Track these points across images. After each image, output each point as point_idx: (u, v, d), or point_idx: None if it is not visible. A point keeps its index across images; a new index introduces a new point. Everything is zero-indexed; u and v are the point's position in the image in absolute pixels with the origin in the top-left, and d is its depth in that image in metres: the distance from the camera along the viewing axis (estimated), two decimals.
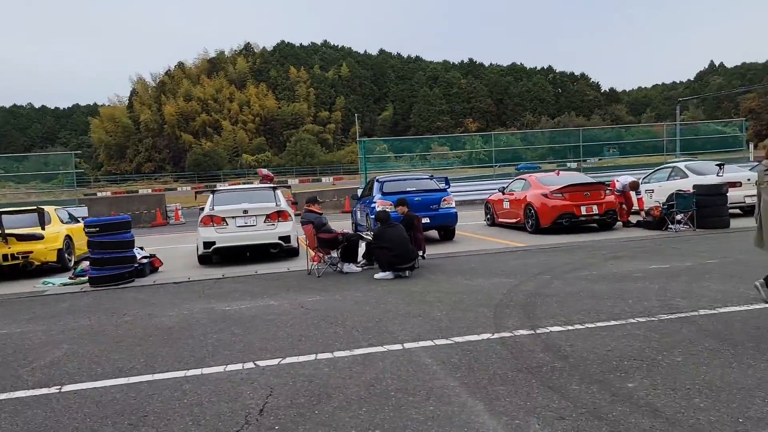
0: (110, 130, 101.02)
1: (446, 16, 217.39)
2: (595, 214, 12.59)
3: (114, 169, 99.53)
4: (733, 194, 13.61)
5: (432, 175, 13.60)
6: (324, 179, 66.98)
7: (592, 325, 5.33)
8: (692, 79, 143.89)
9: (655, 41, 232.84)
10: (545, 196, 12.78)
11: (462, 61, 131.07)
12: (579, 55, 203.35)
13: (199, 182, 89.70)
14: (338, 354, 4.89)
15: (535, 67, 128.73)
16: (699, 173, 14.22)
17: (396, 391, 3.97)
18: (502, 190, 14.90)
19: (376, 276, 8.40)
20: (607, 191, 12.94)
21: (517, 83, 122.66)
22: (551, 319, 5.62)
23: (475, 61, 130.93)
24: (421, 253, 9.26)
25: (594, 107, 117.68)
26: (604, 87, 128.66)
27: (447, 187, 12.82)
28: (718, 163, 14.12)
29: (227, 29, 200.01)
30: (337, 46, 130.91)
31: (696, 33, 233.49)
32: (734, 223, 12.71)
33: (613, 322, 5.39)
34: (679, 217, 12.08)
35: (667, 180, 14.97)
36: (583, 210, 12.54)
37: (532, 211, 12.96)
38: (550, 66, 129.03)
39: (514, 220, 14.03)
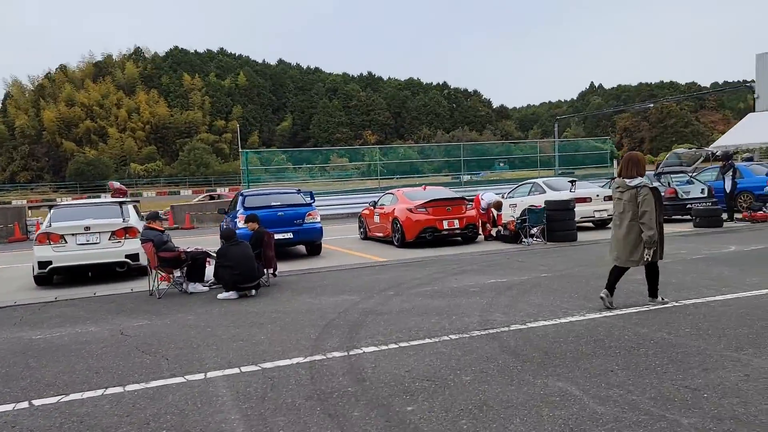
0: None
1: (346, 29, 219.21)
2: (457, 228, 12.98)
3: None
4: (583, 209, 14.57)
5: (299, 189, 13.44)
6: (219, 189, 64.92)
7: (406, 344, 5.36)
8: (575, 98, 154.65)
9: (543, 63, 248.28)
10: (410, 210, 13.01)
11: (361, 74, 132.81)
12: (472, 73, 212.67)
13: (82, 192, 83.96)
14: (130, 388, 4.57)
15: (431, 83, 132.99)
16: (555, 189, 15.09)
17: (169, 429, 3.73)
18: (374, 204, 15.03)
19: (220, 296, 8.08)
20: (469, 206, 13.38)
21: (414, 97, 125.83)
22: (371, 338, 5.61)
23: (374, 75, 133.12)
24: (271, 270, 9.04)
25: (486, 122, 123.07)
26: (495, 104, 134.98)
27: (312, 201, 12.70)
28: (571, 179, 15.07)
29: (115, 32, 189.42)
30: (235, 54, 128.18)
31: (579, 55, 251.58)
32: (585, 236, 13.58)
33: (427, 340, 5.46)
34: (534, 230, 12.73)
35: (528, 195, 15.77)
36: (445, 224, 12.88)
37: (398, 225, 13.15)
38: (445, 82, 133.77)
39: (383, 234, 14.16)
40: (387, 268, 10.32)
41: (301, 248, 13.04)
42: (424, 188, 14.64)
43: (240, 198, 12.30)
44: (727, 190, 15.02)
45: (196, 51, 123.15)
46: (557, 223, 12.66)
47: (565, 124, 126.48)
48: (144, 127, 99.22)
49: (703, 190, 15.86)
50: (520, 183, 16.82)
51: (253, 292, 8.18)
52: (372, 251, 12.90)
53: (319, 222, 12.24)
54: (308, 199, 12.74)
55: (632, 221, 6.09)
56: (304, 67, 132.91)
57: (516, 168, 39.35)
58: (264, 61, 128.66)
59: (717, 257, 9.69)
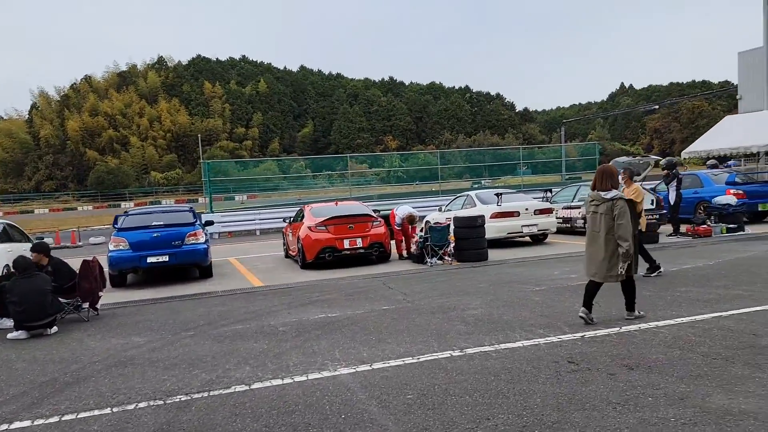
0: (6, 146, 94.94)
1: (368, 35, 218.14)
2: (360, 248, 11.93)
3: (11, 188, 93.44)
4: (510, 223, 13.38)
5: (192, 207, 12.59)
6: (237, 197, 64.94)
7: (85, 414, 4.43)
8: (605, 99, 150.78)
9: (572, 64, 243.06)
10: (310, 228, 12.04)
11: (383, 79, 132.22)
12: (495, 77, 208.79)
13: (103, 201, 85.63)
14: None
15: (454, 87, 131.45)
16: (485, 202, 13.92)
17: None
18: (290, 220, 14.12)
19: (9, 335, 7.27)
20: (375, 223, 12.32)
21: (435, 102, 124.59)
22: (54, 407, 4.69)
23: (396, 80, 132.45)
24: (86, 305, 8.17)
25: (508, 126, 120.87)
26: (520, 106, 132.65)
27: (195, 221, 11.78)
28: (497, 192, 13.87)
29: (140, 42, 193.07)
30: (256, 61, 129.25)
31: (609, 56, 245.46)
32: (507, 253, 12.39)
33: (107, 410, 4.51)
34: (450, 249, 11.64)
35: (461, 208, 14.62)
36: (346, 243, 11.85)
37: (300, 245, 12.20)
38: (467, 86, 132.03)
39: (293, 253, 13.25)
40: (244, 296, 9.40)
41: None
42: (336, 203, 13.66)
43: (119, 219, 11.52)
44: (671, 202, 13.59)
45: (218, 59, 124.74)
46: (466, 241, 11.51)
47: (590, 127, 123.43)
48: (165, 136, 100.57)
49: (652, 201, 14.42)
50: (457, 195, 15.66)
51: (50, 330, 7.35)
52: (268, 274, 11.97)
53: (203, 243, 11.35)
54: (191, 219, 11.78)
55: (608, 234, 5.99)
56: (326, 73, 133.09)
57: (538, 173, 37.63)
58: (285, 67, 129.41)
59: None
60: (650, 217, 14.24)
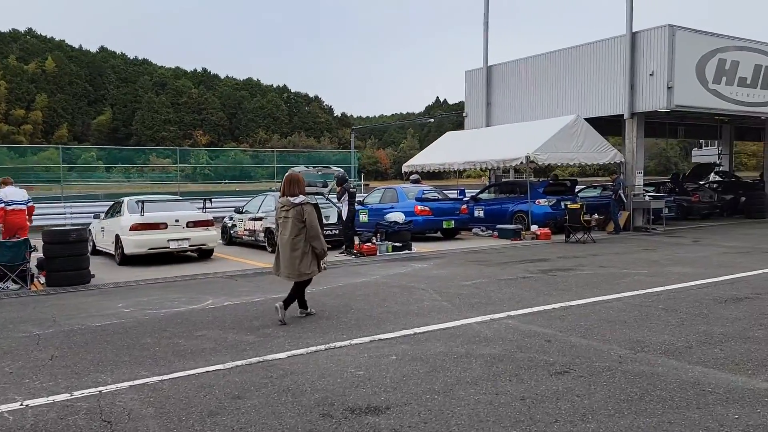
0: None
1: (181, 22, 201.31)
2: None
3: None
4: (153, 237, 11.57)
5: None
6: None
7: None
8: (422, 111, 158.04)
9: (398, 74, 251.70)
10: None
11: (195, 70, 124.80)
12: (315, 79, 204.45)
13: None
14: None
15: (271, 85, 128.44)
16: (132, 211, 11.93)
17: None
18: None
19: None
20: None
21: (251, 99, 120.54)
22: None
23: (210, 72, 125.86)
24: None
25: (325, 129, 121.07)
26: (338, 111, 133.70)
27: None
28: (137, 200, 11.98)
29: None
30: (45, 36, 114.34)
31: (430, 69, 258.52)
32: (148, 273, 10.51)
33: None
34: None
35: (112, 217, 12.51)
36: None
37: None
38: (285, 85, 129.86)
39: None
40: None
41: None
42: None
43: None
44: (343, 217, 12.83)
45: None
46: (59, 260, 9.39)
47: (402, 136, 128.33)
48: None
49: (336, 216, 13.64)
50: (116, 201, 13.46)
51: None
52: None
53: None
54: None
55: (298, 237, 6.57)
56: (131, 58, 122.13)
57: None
58: (81, 46, 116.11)
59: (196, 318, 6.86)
60: (331, 231, 13.46)
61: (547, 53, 19.76)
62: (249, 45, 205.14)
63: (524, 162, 15.77)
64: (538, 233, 15.41)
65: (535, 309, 7.20)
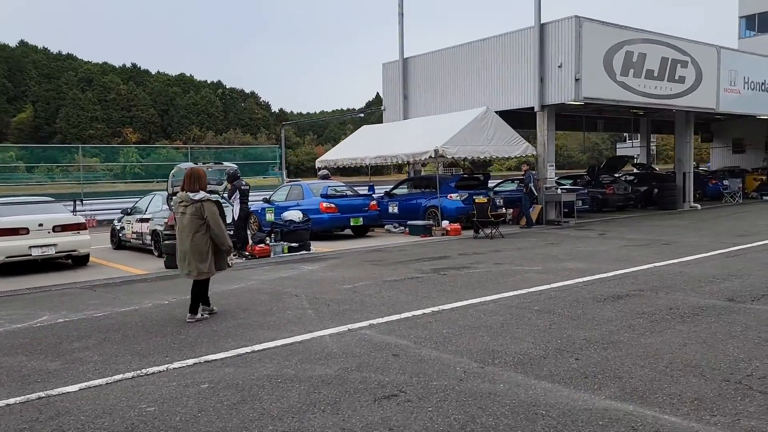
0: None
1: (108, 15, 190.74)
2: None
3: None
4: (12, 244, 10.37)
5: None
6: None
7: None
8: (363, 107, 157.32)
9: (340, 70, 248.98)
10: None
11: (124, 65, 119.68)
12: (251, 75, 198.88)
13: None
14: None
15: (205, 81, 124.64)
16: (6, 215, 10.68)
17: None
18: None
19: None
20: None
21: (184, 95, 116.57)
22: None
23: (139, 67, 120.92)
24: None
25: (262, 126, 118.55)
26: (275, 108, 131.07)
27: None
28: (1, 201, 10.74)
29: None
30: None
31: (368, 67, 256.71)
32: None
33: None
34: None
35: None
36: None
37: None
38: (219, 81, 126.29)
39: None
40: None
41: None
42: None
43: None
44: (235, 217, 11.94)
45: None
46: None
47: (342, 132, 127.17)
48: None
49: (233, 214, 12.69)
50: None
51: None
52: None
53: None
54: None
55: (198, 233, 6.40)
56: (53, 52, 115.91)
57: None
58: None
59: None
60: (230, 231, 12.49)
61: (461, 45, 19.37)
62: (181, 39, 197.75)
63: (433, 156, 15.27)
64: (449, 229, 14.97)
65: (404, 315, 6.58)
